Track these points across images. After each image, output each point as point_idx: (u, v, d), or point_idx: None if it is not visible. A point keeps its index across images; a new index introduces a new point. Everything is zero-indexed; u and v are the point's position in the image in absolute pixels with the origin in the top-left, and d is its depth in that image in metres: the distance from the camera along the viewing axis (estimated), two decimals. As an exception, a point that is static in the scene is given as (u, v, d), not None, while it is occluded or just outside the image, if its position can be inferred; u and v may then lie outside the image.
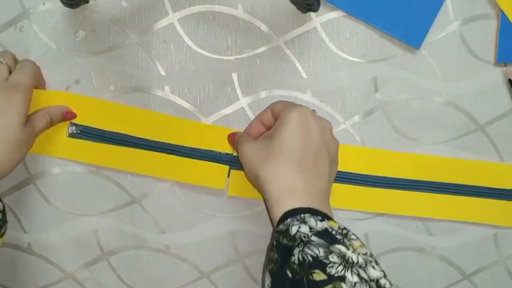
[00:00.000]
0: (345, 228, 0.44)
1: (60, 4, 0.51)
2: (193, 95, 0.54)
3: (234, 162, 0.54)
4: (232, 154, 0.54)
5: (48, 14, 0.53)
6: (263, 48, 0.54)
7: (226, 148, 0.54)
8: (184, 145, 0.54)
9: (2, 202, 0.48)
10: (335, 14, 0.54)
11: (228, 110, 0.55)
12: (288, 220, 0.43)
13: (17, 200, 0.55)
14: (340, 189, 0.55)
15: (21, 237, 0.55)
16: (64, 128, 0.53)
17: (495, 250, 0.57)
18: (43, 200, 0.55)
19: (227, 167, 0.54)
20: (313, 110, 0.50)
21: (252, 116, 0.55)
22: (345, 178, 0.55)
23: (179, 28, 0.53)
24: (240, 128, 0.54)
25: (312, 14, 0.53)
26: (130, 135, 0.53)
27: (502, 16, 0.53)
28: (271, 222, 0.46)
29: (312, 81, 0.54)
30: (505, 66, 0.54)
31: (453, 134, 0.56)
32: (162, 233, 0.55)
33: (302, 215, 0.43)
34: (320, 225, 0.43)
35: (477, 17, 0.54)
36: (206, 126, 0.54)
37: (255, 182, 0.48)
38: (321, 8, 0.53)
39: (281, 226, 0.44)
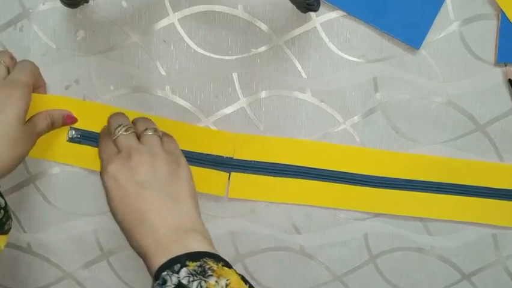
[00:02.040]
0: (201, 266, 0.42)
1: (60, 4, 0.51)
2: (194, 95, 0.54)
3: (235, 166, 0.54)
4: (232, 157, 0.54)
5: (48, 14, 0.53)
6: (263, 48, 0.54)
7: (226, 152, 0.54)
8: (184, 149, 0.54)
9: (3, 198, 0.47)
10: (335, 14, 0.54)
11: (228, 110, 0.55)
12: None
13: (17, 200, 0.55)
14: (340, 189, 0.55)
15: (21, 237, 0.55)
16: (64, 133, 0.53)
17: (495, 250, 0.57)
18: (43, 200, 0.55)
19: (227, 174, 0.54)
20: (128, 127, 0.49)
21: (252, 116, 0.55)
22: (345, 178, 0.55)
23: (179, 28, 0.53)
24: (240, 128, 0.54)
25: (312, 14, 0.54)
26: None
27: (502, 16, 0.53)
28: None
29: (312, 81, 0.54)
30: (505, 66, 0.54)
31: (453, 134, 0.56)
32: (162, 233, 0.55)
33: (165, 273, 0.42)
34: (174, 281, 0.41)
35: (477, 17, 0.54)
36: (206, 130, 0.54)
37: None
38: (321, 8, 0.53)
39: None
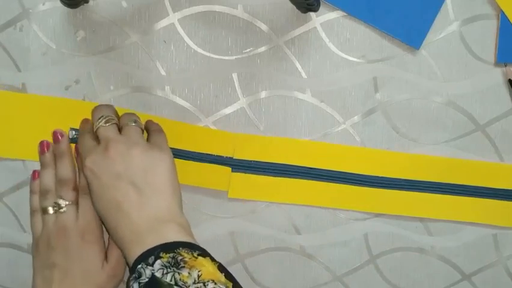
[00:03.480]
0: (174, 257, 0.42)
1: (60, 4, 0.51)
2: (194, 95, 0.54)
3: (235, 166, 0.54)
4: (232, 157, 0.54)
5: (48, 14, 0.53)
6: (263, 48, 0.54)
7: (226, 152, 0.54)
8: (184, 149, 0.54)
9: None
10: (335, 14, 0.54)
11: (228, 110, 0.55)
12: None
13: (17, 200, 0.54)
14: (340, 190, 0.55)
15: (21, 237, 0.55)
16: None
17: (495, 250, 0.57)
18: (43, 200, 0.55)
19: (229, 168, 0.54)
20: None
21: (252, 116, 0.55)
22: (344, 178, 0.55)
23: (179, 28, 0.53)
24: (240, 128, 0.54)
25: (312, 14, 0.54)
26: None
27: (502, 16, 0.53)
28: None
29: (312, 81, 0.54)
30: (505, 66, 0.54)
31: (453, 134, 0.56)
32: (162, 233, 0.55)
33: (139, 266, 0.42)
34: (148, 274, 0.41)
35: (477, 17, 0.54)
36: (206, 130, 0.54)
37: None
38: (321, 8, 0.53)
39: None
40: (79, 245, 0.49)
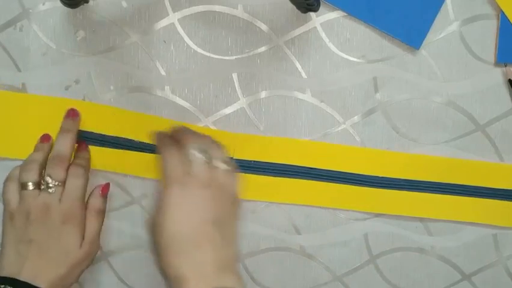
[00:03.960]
0: None
1: (60, 4, 0.51)
2: (194, 95, 0.54)
3: None
4: (232, 158, 0.54)
5: (48, 14, 0.53)
6: (263, 48, 0.54)
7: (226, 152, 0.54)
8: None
9: None
10: (335, 14, 0.54)
11: (228, 110, 0.55)
12: None
13: (17, 200, 0.54)
14: (340, 190, 0.55)
15: (21, 237, 0.55)
16: None
17: (495, 250, 0.57)
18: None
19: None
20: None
21: (252, 116, 0.55)
22: (344, 178, 0.55)
23: (179, 28, 0.53)
24: (240, 128, 0.54)
25: (312, 14, 0.54)
26: (131, 139, 0.53)
27: (502, 16, 0.53)
28: None
29: (312, 81, 0.54)
30: (505, 66, 0.54)
31: (453, 134, 0.56)
32: (162, 233, 0.55)
33: None
34: None
35: (477, 17, 0.54)
36: (206, 130, 0.54)
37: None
38: (321, 8, 0.53)
39: None
40: (60, 225, 0.49)
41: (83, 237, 0.50)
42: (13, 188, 0.50)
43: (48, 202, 0.49)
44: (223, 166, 0.48)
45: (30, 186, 0.49)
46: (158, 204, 0.46)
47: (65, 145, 0.51)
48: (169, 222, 0.45)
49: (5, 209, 0.50)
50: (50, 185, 0.49)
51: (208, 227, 0.45)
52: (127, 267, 0.56)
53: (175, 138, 0.49)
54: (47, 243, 0.48)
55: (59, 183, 0.50)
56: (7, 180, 0.51)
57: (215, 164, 0.47)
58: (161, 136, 0.50)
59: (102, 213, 0.52)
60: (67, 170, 0.51)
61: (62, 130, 0.52)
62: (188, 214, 0.46)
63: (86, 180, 0.51)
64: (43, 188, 0.49)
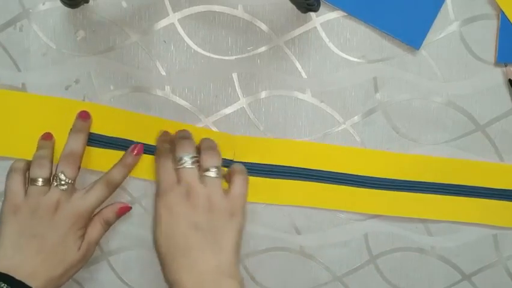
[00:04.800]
0: None
1: (60, 4, 0.51)
2: (194, 95, 0.54)
3: None
4: (233, 160, 0.54)
5: (48, 13, 0.53)
6: (263, 48, 0.54)
7: (226, 154, 0.54)
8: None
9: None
10: (335, 14, 0.54)
11: (228, 110, 0.55)
12: None
13: (17, 200, 0.54)
14: (341, 191, 0.55)
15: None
16: (64, 135, 0.53)
17: (495, 250, 0.57)
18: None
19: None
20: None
21: (252, 116, 0.55)
22: (345, 180, 0.55)
23: (179, 28, 0.53)
24: (240, 128, 0.54)
25: (312, 14, 0.54)
26: (131, 141, 0.53)
27: (502, 16, 0.53)
28: None
29: (312, 81, 0.54)
30: (505, 66, 0.54)
31: (453, 134, 0.56)
32: (162, 233, 0.55)
33: None
34: None
35: (477, 17, 0.54)
36: (206, 132, 0.54)
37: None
38: (321, 8, 0.53)
39: None
40: (65, 224, 0.49)
41: (82, 240, 0.51)
42: (18, 181, 0.50)
43: (60, 199, 0.49)
44: (211, 174, 0.50)
45: (40, 182, 0.49)
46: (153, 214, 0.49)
47: (77, 144, 0.51)
48: (158, 232, 0.49)
49: (7, 200, 0.50)
50: (63, 182, 0.49)
51: (192, 232, 0.47)
52: (127, 267, 0.56)
53: (173, 145, 0.51)
54: (50, 240, 0.48)
55: (71, 181, 0.50)
56: (11, 171, 0.51)
57: (205, 173, 0.50)
58: (161, 141, 0.52)
59: (108, 226, 0.53)
60: (79, 168, 0.51)
61: (74, 129, 0.52)
62: (173, 223, 0.48)
63: (108, 195, 0.52)
64: (55, 185, 0.49)
